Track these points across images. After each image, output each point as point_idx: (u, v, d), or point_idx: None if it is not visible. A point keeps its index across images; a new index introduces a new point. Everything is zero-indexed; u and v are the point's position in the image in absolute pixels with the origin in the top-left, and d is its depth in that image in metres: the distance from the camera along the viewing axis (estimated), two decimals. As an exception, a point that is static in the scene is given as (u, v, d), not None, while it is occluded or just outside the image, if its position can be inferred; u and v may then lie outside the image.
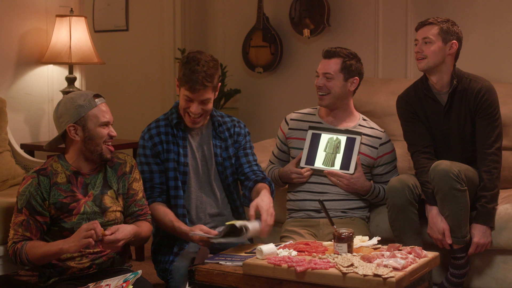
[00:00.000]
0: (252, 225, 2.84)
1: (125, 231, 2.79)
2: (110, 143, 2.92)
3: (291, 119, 3.58)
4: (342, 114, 3.50)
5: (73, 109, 2.84)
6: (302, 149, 3.47)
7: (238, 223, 2.84)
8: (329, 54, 3.43)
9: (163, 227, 3.12)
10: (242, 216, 3.32)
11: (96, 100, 2.87)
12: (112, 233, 2.73)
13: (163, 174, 3.18)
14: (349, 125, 3.49)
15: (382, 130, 3.56)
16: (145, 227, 2.96)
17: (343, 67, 3.40)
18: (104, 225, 2.81)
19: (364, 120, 3.56)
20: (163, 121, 3.23)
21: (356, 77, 3.43)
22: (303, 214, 3.45)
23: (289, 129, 3.56)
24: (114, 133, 2.91)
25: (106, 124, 2.88)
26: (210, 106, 3.14)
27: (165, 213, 3.11)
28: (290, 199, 3.52)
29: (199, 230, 2.92)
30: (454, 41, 3.38)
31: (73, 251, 2.71)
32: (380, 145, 3.48)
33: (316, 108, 3.59)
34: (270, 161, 3.69)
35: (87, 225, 2.69)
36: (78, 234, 2.68)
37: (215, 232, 2.90)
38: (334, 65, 3.40)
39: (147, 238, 2.99)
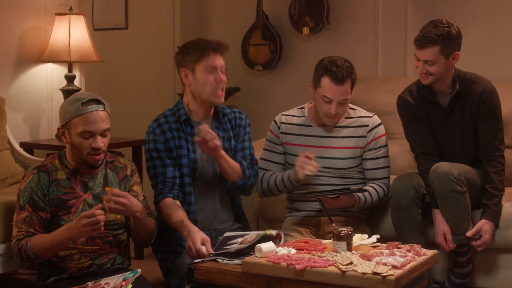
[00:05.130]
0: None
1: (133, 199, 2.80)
2: (96, 154, 2.81)
3: (282, 123, 3.46)
4: None
5: (62, 113, 2.84)
6: (297, 155, 3.30)
7: (234, 248, 2.77)
8: (339, 79, 3.24)
9: (172, 221, 3.05)
10: (242, 216, 3.35)
11: (85, 107, 2.78)
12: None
13: (176, 168, 3.15)
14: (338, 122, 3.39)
15: (371, 115, 3.43)
16: (149, 220, 2.96)
17: (352, 86, 3.30)
18: (104, 225, 2.81)
19: (351, 109, 3.43)
20: (171, 117, 3.21)
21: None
22: (304, 213, 3.44)
23: (281, 133, 3.44)
24: (97, 144, 2.79)
25: (89, 134, 2.79)
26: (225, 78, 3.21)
27: (176, 207, 3.07)
28: (291, 199, 3.49)
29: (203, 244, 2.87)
30: (456, 52, 3.30)
31: (81, 236, 2.72)
32: (368, 131, 3.38)
33: (303, 108, 3.49)
34: (262, 167, 3.43)
35: (89, 217, 2.63)
36: (79, 222, 2.64)
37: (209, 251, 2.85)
38: (347, 89, 3.26)
39: (150, 233, 2.96)
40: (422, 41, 3.27)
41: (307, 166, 3.17)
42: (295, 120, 3.47)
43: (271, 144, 3.49)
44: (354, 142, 3.38)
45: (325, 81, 3.26)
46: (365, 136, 3.38)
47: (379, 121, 3.43)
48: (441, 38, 3.24)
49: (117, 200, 2.74)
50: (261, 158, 3.50)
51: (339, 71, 3.23)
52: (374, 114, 3.45)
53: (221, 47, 3.17)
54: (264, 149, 3.51)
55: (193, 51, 3.15)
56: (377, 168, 3.41)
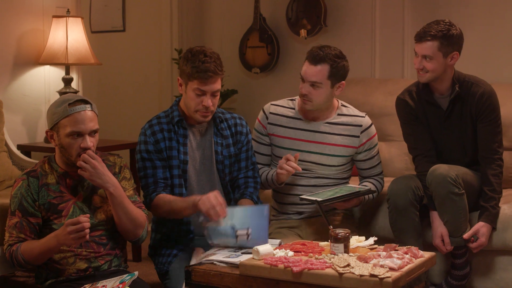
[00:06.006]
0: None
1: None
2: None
3: (270, 113, 3.43)
4: (325, 110, 3.37)
5: (50, 115, 2.83)
6: (284, 148, 3.33)
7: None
8: (316, 60, 3.24)
9: (175, 210, 3.02)
10: None
11: (72, 107, 2.77)
12: None
13: (166, 169, 3.13)
14: (328, 116, 3.38)
15: (363, 115, 3.42)
16: (135, 208, 2.89)
17: (331, 74, 3.24)
18: (94, 226, 2.81)
19: (344, 106, 3.42)
20: (164, 118, 3.19)
21: (343, 81, 3.30)
22: (285, 217, 3.44)
23: (269, 123, 3.42)
24: (86, 144, 2.78)
25: (77, 134, 2.78)
26: (217, 99, 3.12)
27: (175, 198, 3.06)
28: (276, 201, 3.50)
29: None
30: (455, 52, 3.31)
31: (68, 243, 2.70)
32: (362, 132, 3.38)
33: (294, 100, 3.46)
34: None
35: (73, 224, 2.62)
36: (65, 229, 2.63)
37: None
38: (320, 72, 3.24)
39: (137, 223, 2.88)
40: (422, 35, 3.30)
41: (284, 166, 3.17)
42: (285, 111, 3.44)
43: (258, 134, 3.46)
44: (347, 140, 3.37)
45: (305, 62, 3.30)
46: (357, 136, 3.38)
47: (370, 121, 3.44)
48: (441, 34, 3.27)
49: (87, 159, 2.75)
50: (259, 153, 3.46)
51: (318, 53, 3.24)
52: (365, 114, 3.45)
53: (216, 73, 3.04)
54: (252, 139, 3.44)
55: (189, 66, 3.05)
56: (373, 166, 3.45)
